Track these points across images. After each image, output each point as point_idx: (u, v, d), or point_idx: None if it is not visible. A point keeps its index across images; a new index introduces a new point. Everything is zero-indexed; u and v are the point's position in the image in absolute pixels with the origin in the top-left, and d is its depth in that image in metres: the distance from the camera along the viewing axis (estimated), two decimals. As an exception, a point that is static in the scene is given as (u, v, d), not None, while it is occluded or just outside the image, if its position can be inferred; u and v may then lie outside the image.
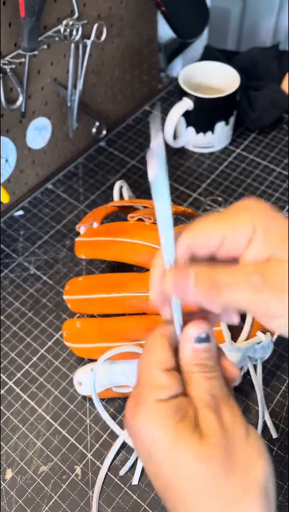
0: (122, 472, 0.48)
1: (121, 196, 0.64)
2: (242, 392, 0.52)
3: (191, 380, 0.29)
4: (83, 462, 0.49)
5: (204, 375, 0.28)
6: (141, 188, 0.73)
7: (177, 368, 0.29)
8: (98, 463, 0.49)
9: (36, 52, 0.57)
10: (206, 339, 0.29)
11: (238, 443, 0.27)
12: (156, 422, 0.27)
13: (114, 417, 0.51)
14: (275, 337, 0.50)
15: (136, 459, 0.48)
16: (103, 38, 0.67)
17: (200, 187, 0.73)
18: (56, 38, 0.62)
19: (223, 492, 0.26)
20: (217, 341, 0.30)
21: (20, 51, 0.56)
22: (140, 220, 0.52)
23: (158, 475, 0.27)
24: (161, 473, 0.27)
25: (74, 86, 0.68)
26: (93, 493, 0.47)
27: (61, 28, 0.62)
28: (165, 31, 0.80)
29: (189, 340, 0.29)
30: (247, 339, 0.48)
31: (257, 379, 0.50)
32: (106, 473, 0.48)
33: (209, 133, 0.75)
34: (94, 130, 0.75)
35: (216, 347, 0.30)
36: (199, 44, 0.87)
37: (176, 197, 0.71)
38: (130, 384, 0.49)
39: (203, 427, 0.27)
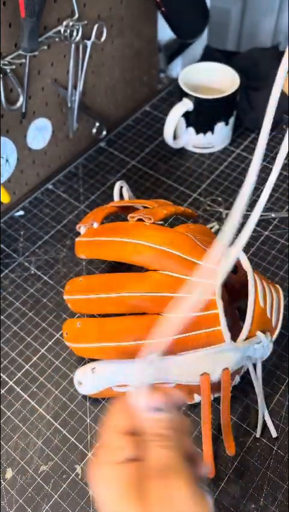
0: None
1: (121, 196, 0.64)
2: (242, 392, 0.52)
3: (148, 448, 0.30)
4: (84, 461, 0.49)
5: (157, 444, 0.29)
6: (141, 189, 0.73)
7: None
8: (98, 463, 0.49)
9: (36, 53, 0.57)
10: (163, 409, 0.30)
11: None
12: (106, 483, 0.29)
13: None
14: (275, 336, 0.50)
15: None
16: (103, 38, 0.67)
17: (200, 187, 0.73)
18: (57, 39, 0.62)
19: None
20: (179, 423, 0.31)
21: (21, 52, 0.56)
22: (140, 220, 0.52)
23: None
24: None
25: (75, 86, 0.69)
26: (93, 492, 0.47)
27: (61, 28, 0.62)
28: (165, 32, 0.80)
29: (149, 409, 0.30)
30: (246, 339, 0.48)
31: (257, 379, 0.50)
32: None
33: (209, 133, 0.75)
34: (94, 130, 0.76)
35: (174, 416, 0.31)
36: (199, 44, 0.87)
37: (176, 197, 0.71)
38: (130, 384, 0.49)
39: (149, 497, 0.28)
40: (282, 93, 0.30)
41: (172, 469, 0.29)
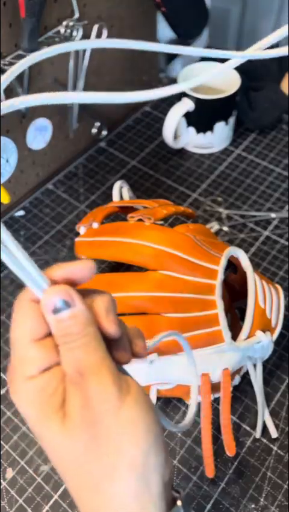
0: None
1: (121, 197, 0.64)
2: (242, 392, 0.52)
3: (60, 352, 0.26)
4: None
5: (67, 346, 0.25)
6: (141, 189, 0.73)
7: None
8: (98, 463, 0.49)
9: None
10: (66, 305, 0.25)
11: (107, 418, 0.25)
12: (23, 401, 0.26)
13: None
14: (275, 336, 0.50)
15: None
16: (103, 38, 0.67)
17: (200, 187, 0.73)
18: (57, 39, 0.62)
19: (89, 471, 0.25)
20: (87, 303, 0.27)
21: (21, 52, 0.56)
22: (140, 220, 0.52)
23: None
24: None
25: (75, 86, 0.69)
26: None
27: (62, 28, 0.62)
28: (165, 32, 0.80)
29: (47, 312, 0.25)
30: (246, 338, 0.48)
31: (257, 379, 0.50)
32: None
33: (209, 133, 0.75)
34: (94, 130, 0.76)
35: (83, 308, 0.26)
36: (199, 44, 0.87)
37: (176, 197, 0.71)
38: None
39: (67, 405, 0.25)
40: (282, 93, 0.30)
41: (90, 370, 0.25)
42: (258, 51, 0.27)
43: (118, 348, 0.28)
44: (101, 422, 0.25)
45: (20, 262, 0.25)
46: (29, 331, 0.26)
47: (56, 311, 0.25)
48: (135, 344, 0.29)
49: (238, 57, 0.28)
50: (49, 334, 0.26)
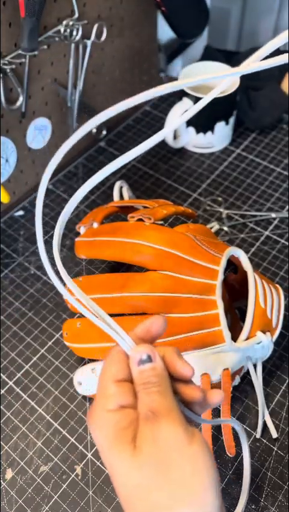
0: None
1: (121, 196, 0.64)
2: (242, 392, 0.52)
3: (138, 396, 0.31)
4: (84, 462, 0.49)
5: (146, 391, 0.30)
6: (141, 189, 0.73)
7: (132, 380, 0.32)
8: (98, 463, 0.49)
9: (36, 52, 0.57)
10: (149, 359, 0.31)
11: (174, 453, 0.28)
12: (99, 430, 0.30)
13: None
14: (275, 336, 0.50)
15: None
16: (103, 38, 0.67)
17: (200, 187, 0.73)
18: (57, 39, 0.62)
19: (151, 500, 0.28)
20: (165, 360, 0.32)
21: (20, 51, 0.56)
22: (140, 220, 0.52)
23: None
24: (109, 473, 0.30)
25: (75, 86, 0.69)
26: (93, 492, 0.47)
27: (61, 28, 0.62)
28: (165, 31, 0.80)
29: (133, 363, 0.31)
30: (246, 339, 0.48)
31: (257, 379, 0.50)
32: (106, 473, 0.48)
33: (209, 133, 0.75)
34: (94, 130, 0.75)
35: (161, 362, 0.32)
36: (199, 44, 0.87)
37: (176, 197, 0.71)
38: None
39: (138, 439, 0.29)
40: (282, 93, 0.30)
41: (163, 411, 0.29)
42: (257, 63, 0.28)
43: (188, 385, 0.33)
44: (168, 456, 0.28)
45: (111, 325, 0.32)
46: (113, 373, 0.31)
47: (140, 363, 0.31)
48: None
49: (237, 74, 0.29)
50: (128, 380, 0.31)
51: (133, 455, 0.28)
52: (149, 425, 0.29)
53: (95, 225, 0.55)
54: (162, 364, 0.32)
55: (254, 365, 0.51)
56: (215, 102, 0.71)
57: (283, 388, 0.53)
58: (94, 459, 0.49)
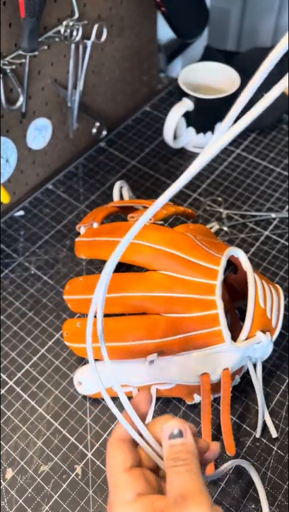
0: None
1: (121, 196, 0.64)
2: (242, 392, 0.52)
3: (167, 475, 0.31)
4: (84, 461, 0.49)
5: (175, 470, 0.30)
6: (141, 189, 0.73)
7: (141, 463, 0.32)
8: (98, 462, 0.49)
9: (36, 53, 0.57)
10: (180, 434, 0.31)
11: None
12: None
13: (113, 417, 0.51)
14: (275, 336, 0.50)
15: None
16: (103, 38, 0.67)
17: (200, 187, 0.73)
18: (57, 39, 0.62)
19: None
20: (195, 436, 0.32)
21: (21, 52, 0.56)
22: (140, 220, 0.52)
23: None
24: None
25: (75, 86, 0.69)
26: (93, 492, 0.47)
27: (61, 28, 0.62)
28: (165, 31, 0.80)
29: (165, 437, 0.32)
30: (246, 339, 0.48)
31: (257, 379, 0.50)
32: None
33: (209, 133, 0.75)
34: (94, 130, 0.76)
35: (192, 439, 0.32)
36: (199, 44, 0.87)
37: (176, 197, 0.71)
38: (131, 384, 0.49)
39: None
40: (282, 93, 0.30)
41: (191, 495, 0.29)
42: (255, 110, 0.27)
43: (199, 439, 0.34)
44: None
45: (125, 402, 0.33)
46: (121, 462, 0.31)
47: (171, 436, 0.31)
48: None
49: (237, 131, 0.28)
50: (136, 465, 0.31)
51: None
52: (179, 510, 0.29)
53: (95, 225, 0.55)
54: (192, 441, 0.31)
55: (254, 365, 0.51)
56: (215, 102, 0.72)
57: (283, 387, 0.53)
58: (94, 459, 0.49)
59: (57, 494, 0.47)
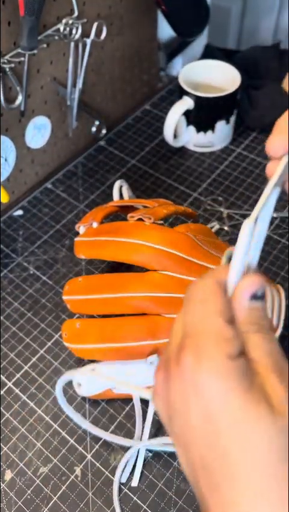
0: (124, 479, 0.47)
1: (121, 196, 0.63)
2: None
3: (249, 340, 0.24)
4: (83, 463, 0.49)
5: (264, 336, 0.24)
6: (141, 188, 0.72)
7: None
8: (98, 464, 0.48)
9: (35, 51, 0.57)
10: (261, 297, 0.25)
11: None
12: (226, 383, 0.23)
13: (113, 418, 0.51)
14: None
15: (136, 461, 0.48)
16: (103, 37, 0.67)
17: (200, 187, 0.72)
18: (56, 37, 0.62)
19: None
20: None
21: (20, 50, 0.56)
22: (140, 220, 0.51)
23: (211, 442, 0.23)
24: (218, 441, 0.23)
25: (74, 85, 0.68)
26: (93, 494, 0.47)
27: (61, 26, 0.62)
28: (165, 30, 0.80)
29: (244, 296, 0.25)
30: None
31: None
32: (106, 474, 0.48)
33: (209, 132, 0.75)
34: (93, 129, 0.75)
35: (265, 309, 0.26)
36: (199, 43, 0.86)
37: (176, 196, 0.71)
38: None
39: (274, 399, 0.23)
40: (284, 92, 0.30)
41: (281, 364, 0.24)
42: None
43: None
44: None
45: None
46: (221, 310, 0.24)
47: (253, 297, 0.25)
48: None
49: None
50: (232, 321, 0.25)
51: (273, 423, 0.22)
52: (281, 381, 0.23)
53: (94, 225, 0.54)
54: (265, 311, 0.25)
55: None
56: (216, 100, 0.72)
57: (284, 388, 0.52)
58: (93, 461, 0.49)
59: (56, 496, 0.47)
